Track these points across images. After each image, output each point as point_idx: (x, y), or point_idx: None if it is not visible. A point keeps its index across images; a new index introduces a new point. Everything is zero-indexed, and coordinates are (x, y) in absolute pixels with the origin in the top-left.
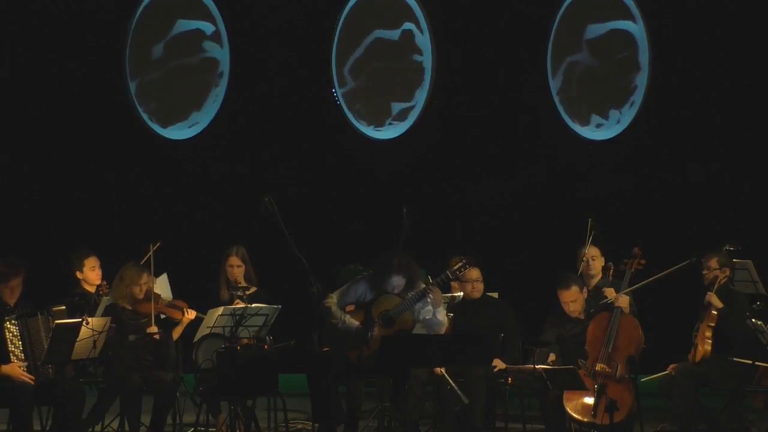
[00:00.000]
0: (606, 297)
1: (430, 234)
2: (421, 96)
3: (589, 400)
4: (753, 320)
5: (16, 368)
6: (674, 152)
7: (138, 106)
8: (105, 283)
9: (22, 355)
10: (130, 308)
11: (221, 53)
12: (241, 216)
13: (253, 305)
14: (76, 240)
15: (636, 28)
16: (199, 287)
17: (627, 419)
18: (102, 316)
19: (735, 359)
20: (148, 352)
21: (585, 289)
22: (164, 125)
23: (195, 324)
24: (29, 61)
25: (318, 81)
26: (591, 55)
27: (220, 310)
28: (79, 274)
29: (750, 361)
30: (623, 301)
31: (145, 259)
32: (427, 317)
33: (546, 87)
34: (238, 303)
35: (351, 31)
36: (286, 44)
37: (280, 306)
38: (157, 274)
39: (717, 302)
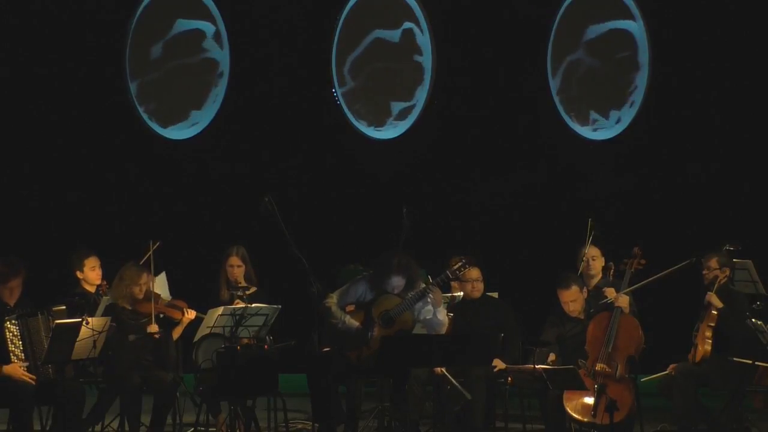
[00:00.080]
0: (606, 297)
1: (430, 234)
2: (421, 96)
3: (589, 400)
4: (753, 320)
5: (17, 368)
6: (674, 152)
7: (138, 106)
8: (105, 283)
9: (23, 355)
10: (129, 308)
11: (221, 53)
12: (241, 216)
13: (253, 305)
14: (76, 240)
15: (636, 27)
16: (199, 287)
17: (627, 419)
18: (102, 316)
19: (735, 359)
20: (148, 352)
21: (585, 289)
22: (164, 125)
23: (195, 324)
24: (29, 61)
25: (318, 81)
26: (591, 55)
27: (220, 310)
28: (79, 274)
29: (750, 361)
30: (623, 301)
31: (144, 258)
32: (427, 317)
33: (546, 87)
34: (238, 303)
35: (351, 31)
36: (286, 44)
37: (280, 306)
38: (155, 274)
39: (717, 302)
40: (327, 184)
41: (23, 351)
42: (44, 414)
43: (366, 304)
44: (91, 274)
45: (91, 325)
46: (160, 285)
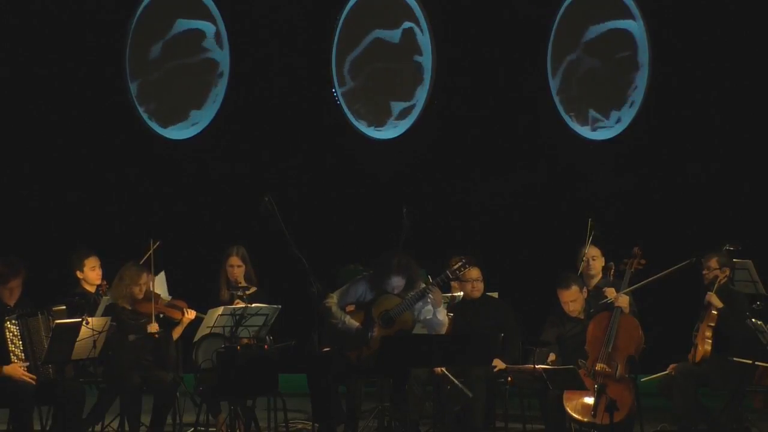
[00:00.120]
0: (606, 297)
1: (430, 234)
2: (421, 96)
3: (589, 400)
4: (753, 320)
5: (18, 369)
6: (674, 152)
7: (138, 106)
8: (105, 282)
9: (23, 354)
10: (129, 308)
11: (221, 53)
12: (241, 216)
13: (253, 305)
14: (76, 240)
15: (636, 27)
16: (199, 287)
17: (627, 419)
18: (102, 316)
19: (735, 359)
20: (148, 352)
21: (585, 289)
22: (164, 125)
23: (195, 324)
24: (29, 61)
25: (318, 81)
26: (591, 55)
27: (220, 310)
28: (79, 274)
29: (750, 361)
30: (623, 300)
31: (145, 258)
32: (427, 317)
33: (546, 87)
34: (238, 303)
35: (351, 31)
36: (286, 44)
37: (280, 306)
38: (155, 273)
39: (717, 302)
40: (327, 184)
41: (23, 351)
42: (44, 414)
43: (366, 304)
44: (91, 274)
45: (91, 325)
46: (159, 285)
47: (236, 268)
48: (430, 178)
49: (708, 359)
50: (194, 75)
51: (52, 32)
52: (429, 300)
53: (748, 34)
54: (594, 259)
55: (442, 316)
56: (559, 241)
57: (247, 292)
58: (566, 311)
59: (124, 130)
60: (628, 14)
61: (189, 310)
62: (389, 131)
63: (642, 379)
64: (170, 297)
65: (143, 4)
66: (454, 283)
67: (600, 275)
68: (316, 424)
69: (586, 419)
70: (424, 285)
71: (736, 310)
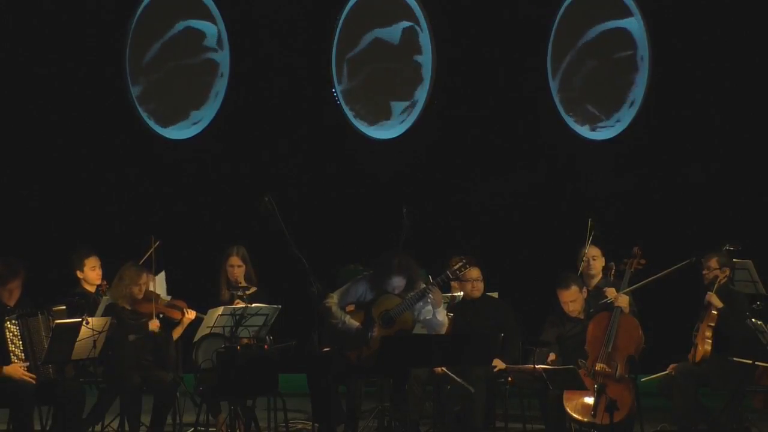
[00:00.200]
0: (606, 297)
1: (430, 234)
2: (421, 96)
3: (589, 400)
4: (753, 320)
5: (18, 368)
6: (674, 152)
7: (138, 106)
8: (105, 282)
9: (23, 354)
10: (129, 308)
11: (221, 53)
12: (241, 216)
13: (253, 305)
14: (76, 240)
15: (636, 27)
16: (199, 287)
17: (627, 419)
18: (102, 316)
19: (735, 359)
20: (148, 352)
21: (585, 289)
22: (164, 125)
23: (195, 324)
24: (29, 61)
25: (318, 81)
26: (591, 55)
27: (220, 310)
28: (79, 274)
29: (750, 361)
30: (623, 300)
31: (145, 258)
32: (427, 317)
33: (546, 87)
34: (238, 303)
35: (351, 31)
36: (286, 44)
37: (280, 306)
38: (155, 272)
39: (717, 302)
40: (327, 184)
41: (23, 351)
42: (44, 414)
43: (366, 304)
44: (92, 273)
45: (91, 325)
46: (159, 285)
47: (236, 268)
48: (430, 178)
49: (708, 359)
50: (194, 75)
51: (52, 32)
52: (429, 300)
53: (748, 34)
54: (594, 259)
55: (442, 316)
56: (559, 241)
57: (247, 292)
58: (566, 311)
59: (124, 130)
60: (628, 14)
61: (189, 310)
62: (389, 131)
63: (642, 379)
64: (170, 297)
65: (143, 4)
66: (454, 283)
67: (600, 275)
68: (316, 424)
69: (586, 419)
70: (424, 285)
71: (736, 310)
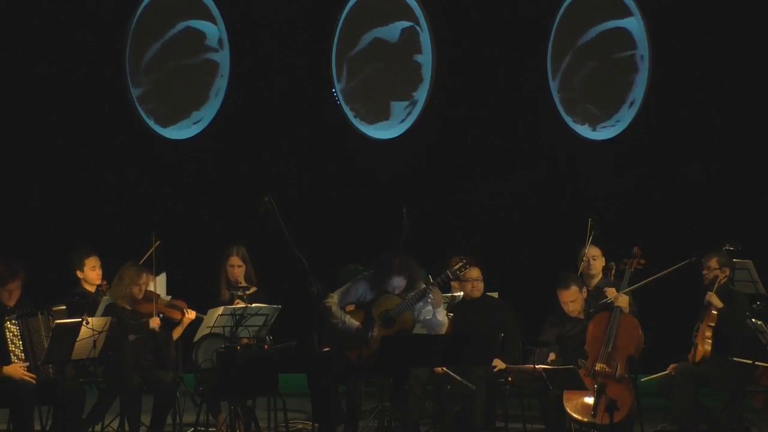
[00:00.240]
0: (606, 297)
1: (430, 234)
2: (421, 96)
3: (589, 400)
4: (753, 320)
5: (18, 368)
6: (674, 152)
7: (138, 106)
8: (105, 282)
9: (23, 354)
10: (129, 308)
11: (221, 54)
12: (241, 216)
13: (253, 305)
14: (76, 240)
15: (636, 27)
16: (199, 287)
17: (627, 419)
18: (102, 316)
19: (735, 359)
20: (148, 352)
21: (584, 289)
22: (164, 125)
23: (195, 324)
24: (29, 61)
25: (318, 81)
26: (591, 55)
27: (220, 310)
28: (79, 274)
29: (750, 361)
30: (623, 300)
31: (145, 257)
32: (427, 317)
33: (546, 87)
34: (238, 303)
35: (351, 30)
36: (286, 44)
37: (280, 306)
38: (157, 273)
39: (717, 302)
40: (327, 184)
41: (23, 351)
42: (44, 414)
43: (366, 304)
44: (92, 273)
45: (91, 325)
46: (159, 285)
47: (236, 268)
48: (430, 178)
49: (708, 359)
50: (194, 75)
51: (52, 32)
52: (429, 300)
53: (748, 34)
54: (594, 259)
55: (442, 316)
56: (559, 241)
57: (247, 292)
58: (566, 311)
59: (124, 130)
60: (628, 14)
61: (189, 310)
62: (389, 131)
63: (642, 379)
64: (169, 297)
65: (143, 4)
66: (454, 283)
67: (600, 275)
68: (316, 424)
69: (586, 419)
70: (424, 285)
71: (736, 310)
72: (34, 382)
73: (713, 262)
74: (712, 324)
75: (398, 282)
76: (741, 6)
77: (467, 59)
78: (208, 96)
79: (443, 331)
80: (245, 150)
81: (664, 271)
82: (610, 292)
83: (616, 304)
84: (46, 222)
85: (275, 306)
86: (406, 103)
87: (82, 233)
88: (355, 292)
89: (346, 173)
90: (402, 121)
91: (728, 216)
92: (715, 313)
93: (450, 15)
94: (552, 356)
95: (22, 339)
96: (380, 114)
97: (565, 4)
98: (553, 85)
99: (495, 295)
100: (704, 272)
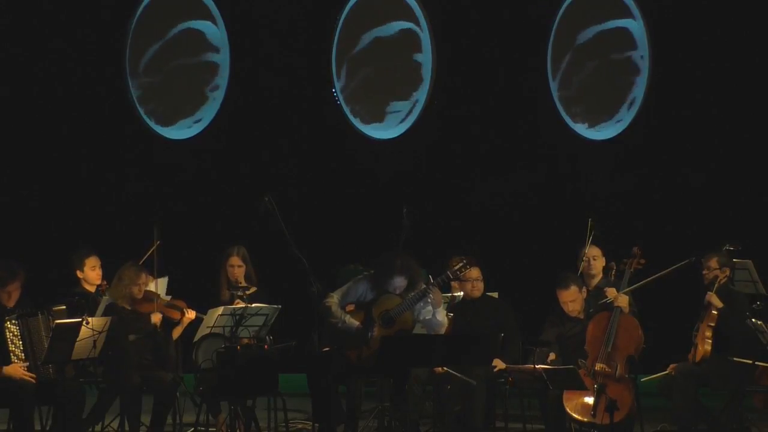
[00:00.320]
0: (607, 297)
1: (430, 234)
2: (421, 96)
3: (589, 400)
4: (753, 320)
5: (18, 368)
6: (674, 152)
7: (138, 106)
8: (105, 282)
9: (23, 354)
10: (129, 308)
11: (221, 53)
12: (241, 216)
13: (253, 305)
14: (76, 240)
15: (636, 27)
16: (199, 287)
17: (627, 419)
18: (102, 316)
19: (735, 359)
20: (148, 352)
21: (584, 289)
22: (164, 125)
23: (195, 324)
24: (29, 61)
25: (318, 81)
26: (591, 55)
27: (220, 310)
28: (79, 274)
29: (750, 361)
30: (622, 300)
31: (145, 257)
32: (427, 317)
33: (546, 87)
34: (238, 303)
35: (351, 30)
36: (286, 44)
37: (280, 306)
38: (159, 275)
39: (717, 302)
40: (327, 184)
41: (23, 351)
42: (44, 414)
43: (366, 303)
44: (92, 273)
45: (91, 325)
46: (160, 286)
47: (236, 268)
48: (430, 178)
49: (708, 359)
50: (194, 75)
51: (52, 32)
52: (429, 300)
53: (748, 34)
54: (595, 259)
55: (442, 316)
56: (559, 241)
57: (248, 292)
58: (566, 311)
59: (124, 130)
60: (628, 14)
61: (189, 310)
62: (389, 131)
63: (642, 379)
64: (169, 297)
65: (143, 4)
66: (454, 283)
67: (601, 275)
68: (316, 424)
69: (586, 419)
70: (424, 285)
71: (736, 310)
72: (34, 381)
73: (713, 262)
74: (712, 324)
75: (399, 282)
76: (741, 6)
77: (467, 59)
78: (208, 96)
79: (443, 331)
80: (245, 150)
81: (664, 271)
82: (610, 292)
83: (615, 304)
84: (46, 222)
85: (275, 306)
86: (406, 103)
87: (82, 233)
88: (355, 292)
89: (346, 173)
90: (402, 121)
91: (728, 216)
92: (715, 313)
93: (450, 15)
94: (552, 356)
95: (22, 339)
96: (380, 114)
97: (565, 4)
98: (553, 85)
99: (495, 295)
100: (704, 272)
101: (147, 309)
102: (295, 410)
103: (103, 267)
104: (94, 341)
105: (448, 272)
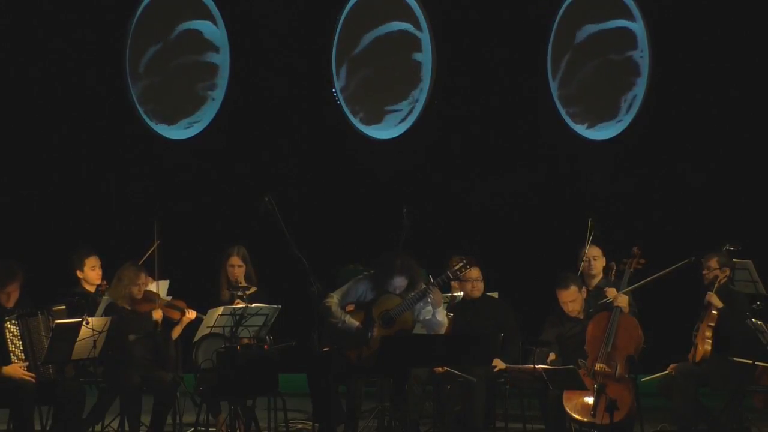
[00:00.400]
0: (607, 297)
1: (430, 234)
2: (421, 96)
3: (589, 400)
4: (753, 320)
5: (18, 368)
6: (674, 152)
7: (138, 106)
8: (105, 282)
9: (23, 354)
10: (129, 308)
11: (221, 54)
12: (241, 216)
13: (253, 305)
14: (77, 240)
15: (636, 27)
16: (199, 287)
17: (627, 419)
18: (102, 315)
19: (735, 359)
20: (148, 352)
21: (584, 289)
22: (164, 125)
23: (195, 324)
24: (29, 61)
25: (318, 81)
26: (591, 55)
27: (220, 310)
28: (79, 273)
29: (750, 361)
30: (622, 300)
31: (145, 257)
32: (426, 317)
33: (546, 87)
34: (238, 303)
35: (351, 30)
36: (286, 44)
37: (280, 306)
38: (161, 278)
39: (717, 302)
40: (327, 184)
41: (23, 351)
42: (44, 414)
43: (366, 303)
44: (92, 273)
45: (91, 325)
46: (161, 288)
47: (237, 268)
48: (430, 178)
49: (708, 359)
50: (194, 75)
51: (52, 32)
52: (429, 300)
53: (748, 34)
54: (595, 259)
55: (442, 316)
56: (559, 241)
57: (248, 292)
58: (565, 311)
59: (124, 130)
60: (628, 14)
61: (189, 310)
62: (389, 131)
63: (642, 379)
64: (170, 297)
65: (143, 4)
66: (454, 283)
67: (601, 275)
68: (316, 424)
69: (586, 419)
70: (424, 285)
71: (736, 310)
72: (33, 381)
73: (713, 262)
74: (712, 324)
75: (399, 282)
76: (741, 6)
77: (467, 59)
78: (208, 96)
79: (443, 331)
80: (245, 150)
81: (664, 271)
82: (610, 292)
83: (615, 304)
84: (46, 222)
85: (275, 306)
86: (406, 103)
87: (82, 233)
88: (356, 292)
89: (346, 173)
90: (401, 121)
91: (728, 216)
92: (715, 313)
93: (450, 15)
94: (552, 356)
95: (22, 339)
96: (380, 114)
97: (565, 4)
98: (553, 85)
99: (495, 295)
100: (704, 272)
101: (147, 309)
102: (295, 410)
103: (103, 267)
104: (94, 341)
105: (448, 272)
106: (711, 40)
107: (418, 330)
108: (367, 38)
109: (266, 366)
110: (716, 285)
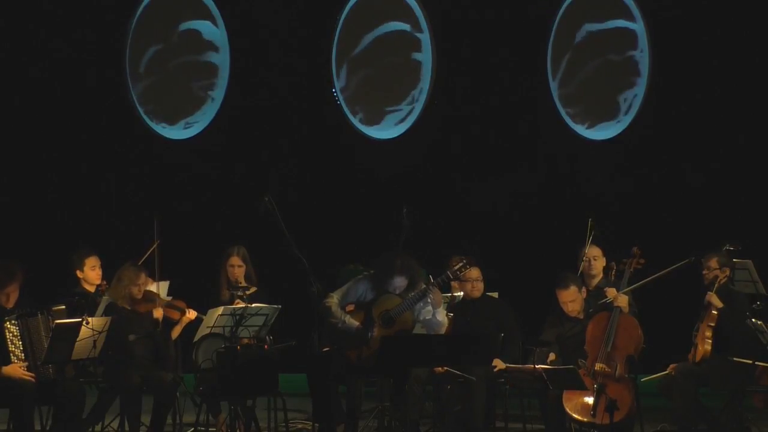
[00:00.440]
0: (607, 297)
1: (430, 234)
2: (421, 96)
3: (589, 400)
4: (753, 320)
5: (17, 368)
6: (674, 152)
7: (138, 106)
8: (105, 282)
9: (23, 354)
10: (129, 308)
11: (221, 54)
12: (241, 216)
13: (253, 305)
14: (77, 240)
15: (636, 27)
16: (199, 287)
17: (627, 419)
18: (102, 315)
19: (735, 359)
20: (148, 352)
21: (584, 289)
22: (164, 125)
23: (195, 324)
24: (29, 61)
25: (318, 81)
26: (591, 55)
27: (220, 310)
28: (79, 273)
29: (750, 361)
30: (622, 300)
31: (144, 257)
32: (426, 317)
33: (546, 87)
34: (238, 303)
35: (351, 30)
36: (286, 44)
37: (280, 306)
38: (161, 279)
39: (717, 302)
40: (327, 184)
41: (23, 351)
42: (44, 414)
43: (366, 304)
44: (92, 273)
45: (91, 325)
46: (162, 288)
47: (237, 268)
48: (430, 178)
49: (708, 359)
50: (194, 75)
51: (52, 32)
52: (429, 300)
53: (748, 34)
54: (595, 259)
55: (442, 316)
56: (559, 241)
57: (248, 292)
58: (565, 311)
59: (124, 130)
60: (628, 14)
61: (189, 310)
62: (389, 131)
63: (642, 379)
64: (170, 297)
65: (143, 4)
66: (454, 283)
67: (601, 275)
68: (316, 424)
69: (586, 419)
70: (424, 285)
71: (736, 310)
72: (33, 381)
73: (713, 262)
74: (712, 324)
75: (399, 282)
76: (741, 6)
77: (467, 59)
78: (208, 96)
79: (443, 331)
80: (245, 150)
81: (664, 271)
82: (610, 292)
83: (615, 304)
84: (46, 222)
85: (275, 306)
86: (406, 102)
87: (82, 233)
88: (355, 292)
89: (346, 173)
90: (401, 121)
91: (728, 216)
92: (715, 313)
93: (450, 15)
94: (552, 356)
95: (22, 339)
96: (380, 114)
97: (565, 4)
98: (553, 85)
99: (495, 295)
100: (704, 272)
101: (147, 309)
102: (295, 410)
103: (103, 267)
104: (94, 341)
105: (448, 272)
106: (711, 40)
107: (418, 330)
108: (367, 38)
109: (266, 366)
110: (716, 285)
